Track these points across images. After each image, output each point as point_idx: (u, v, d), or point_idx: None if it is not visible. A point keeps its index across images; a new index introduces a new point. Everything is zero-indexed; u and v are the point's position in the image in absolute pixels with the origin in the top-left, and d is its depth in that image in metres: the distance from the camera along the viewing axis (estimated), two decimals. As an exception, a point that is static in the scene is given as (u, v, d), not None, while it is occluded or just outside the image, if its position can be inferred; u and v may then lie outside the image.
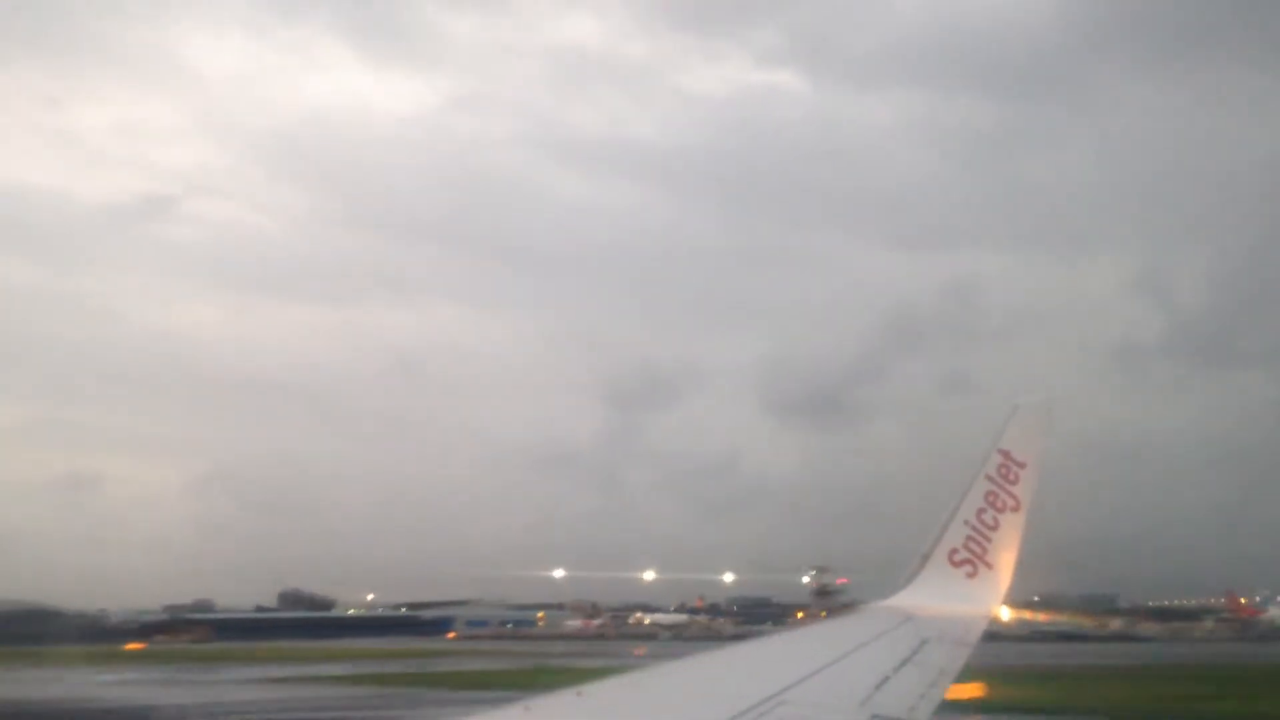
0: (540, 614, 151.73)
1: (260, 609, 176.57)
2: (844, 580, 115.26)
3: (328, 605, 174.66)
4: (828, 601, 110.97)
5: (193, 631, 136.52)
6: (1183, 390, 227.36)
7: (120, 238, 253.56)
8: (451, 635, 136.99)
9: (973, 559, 11.92)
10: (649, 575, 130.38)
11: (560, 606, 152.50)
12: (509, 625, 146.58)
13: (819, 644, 9.11)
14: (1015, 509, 12.16)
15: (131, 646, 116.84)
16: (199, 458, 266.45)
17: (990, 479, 12.28)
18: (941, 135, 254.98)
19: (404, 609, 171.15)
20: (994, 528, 12.05)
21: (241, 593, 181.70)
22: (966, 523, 12.10)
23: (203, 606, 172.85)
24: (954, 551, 11.96)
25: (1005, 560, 11.98)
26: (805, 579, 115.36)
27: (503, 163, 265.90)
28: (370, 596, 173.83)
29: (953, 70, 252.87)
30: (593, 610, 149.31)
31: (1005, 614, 11.92)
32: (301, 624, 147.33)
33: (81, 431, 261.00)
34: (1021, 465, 12.34)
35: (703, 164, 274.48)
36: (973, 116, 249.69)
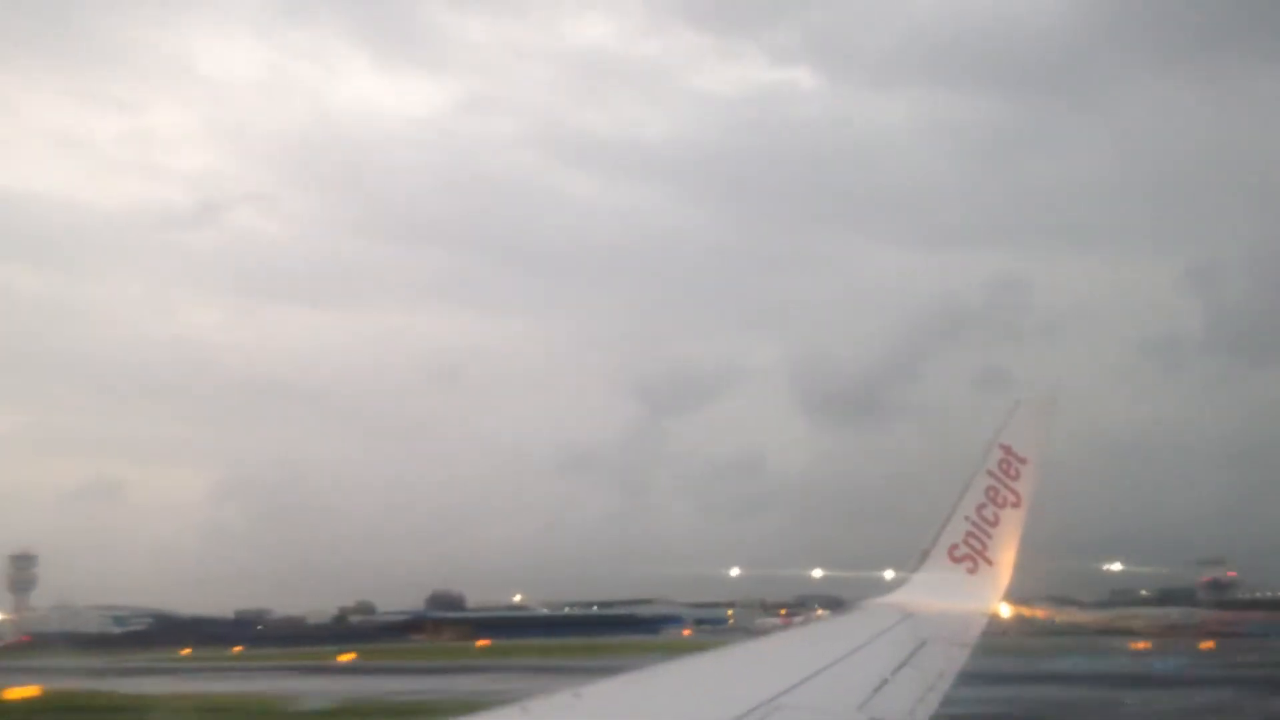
0: (729, 611, 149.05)
1: (421, 609, 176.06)
2: (1233, 574, 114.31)
3: (465, 605, 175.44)
4: (1222, 595, 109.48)
5: (451, 630, 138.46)
6: (1217, 387, 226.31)
7: (132, 244, 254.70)
8: (687, 632, 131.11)
9: (973, 555, 11.88)
10: (817, 572, 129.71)
11: (733, 604, 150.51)
12: (704, 624, 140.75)
13: (817, 645, 9.07)
14: (1016, 505, 12.10)
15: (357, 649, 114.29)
16: (240, 464, 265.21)
17: (991, 474, 12.22)
18: (957, 133, 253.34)
19: (596, 607, 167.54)
20: (995, 524, 12.00)
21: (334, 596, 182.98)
22: (967, 518, 12.05)
23: (364, 608, 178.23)
24: (954, 547, 11.92)
25: (1005, 557, 11.93)
26: (1200, 573, 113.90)
27: (515, 165, 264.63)
28: (518, 598, 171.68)
29: (969, 68, 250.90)
30: (769, 606, 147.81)
31: (1005, 610, 11.88)
32: (535, 622, 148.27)
33: (107, 440, 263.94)
34: (1023, 461, 12.27)
35: (717, 164, 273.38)
36: (988, 114, 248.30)
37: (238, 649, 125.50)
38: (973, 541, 11.91)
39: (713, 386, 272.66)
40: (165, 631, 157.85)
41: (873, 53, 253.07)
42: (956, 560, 11.84)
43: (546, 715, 6.15)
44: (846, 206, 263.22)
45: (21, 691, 52.34)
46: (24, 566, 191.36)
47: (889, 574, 12.58)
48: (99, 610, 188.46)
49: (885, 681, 7.51)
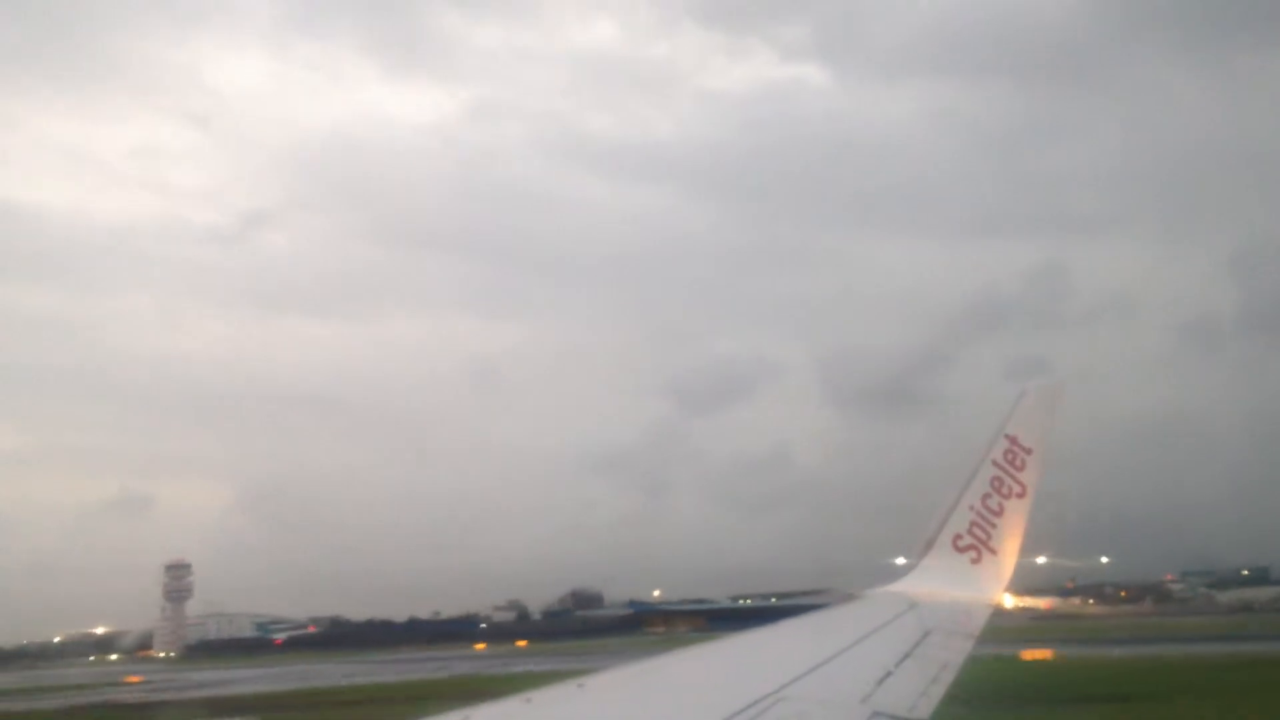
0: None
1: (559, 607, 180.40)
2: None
3: (603, 602, 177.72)
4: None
5: (683, 622, 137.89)
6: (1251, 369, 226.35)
7: (140, 258, 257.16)
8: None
9: (977, 545, 11.86)
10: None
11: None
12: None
13: (822, 635, 9.06)
14: (1021, 495, 12.08)
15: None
16: (284, 476, 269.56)
17: (996, 464, 12.19)
18: (969, 125, 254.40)
19: (774, 599, 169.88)
20: (999, 514, 11.98)
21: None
22: (972, 508, 12.02)
23: (515, 606, 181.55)
24: (959, 537, 11.90)
25: (1010, 546, 11.92)
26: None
27: (526, 170, 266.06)
28: (656, 593, 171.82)
29: (979, 59, 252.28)
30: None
31: (1009, 601, 11.88)
32: (745, 613, 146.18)
33: (129, 455, 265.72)
34: (1028, 451, 12.24)
35: (729, 163, 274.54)
36: (1000, 104, 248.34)
37: (480, 646, 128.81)
38: (977, 531, 11.90)
39: (746, 384, 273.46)
40: (340, 636, 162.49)
41: (882, 46, 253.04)
42: (961, 550, 11.83)
43: (550, 705, 6.17)
44: (860, 201, 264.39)
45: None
46: (179, 575, 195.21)
47: (900, 560, 12.56)
48: (250, 617, 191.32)
49: (889, 673, 7.50)
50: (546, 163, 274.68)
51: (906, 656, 8.11)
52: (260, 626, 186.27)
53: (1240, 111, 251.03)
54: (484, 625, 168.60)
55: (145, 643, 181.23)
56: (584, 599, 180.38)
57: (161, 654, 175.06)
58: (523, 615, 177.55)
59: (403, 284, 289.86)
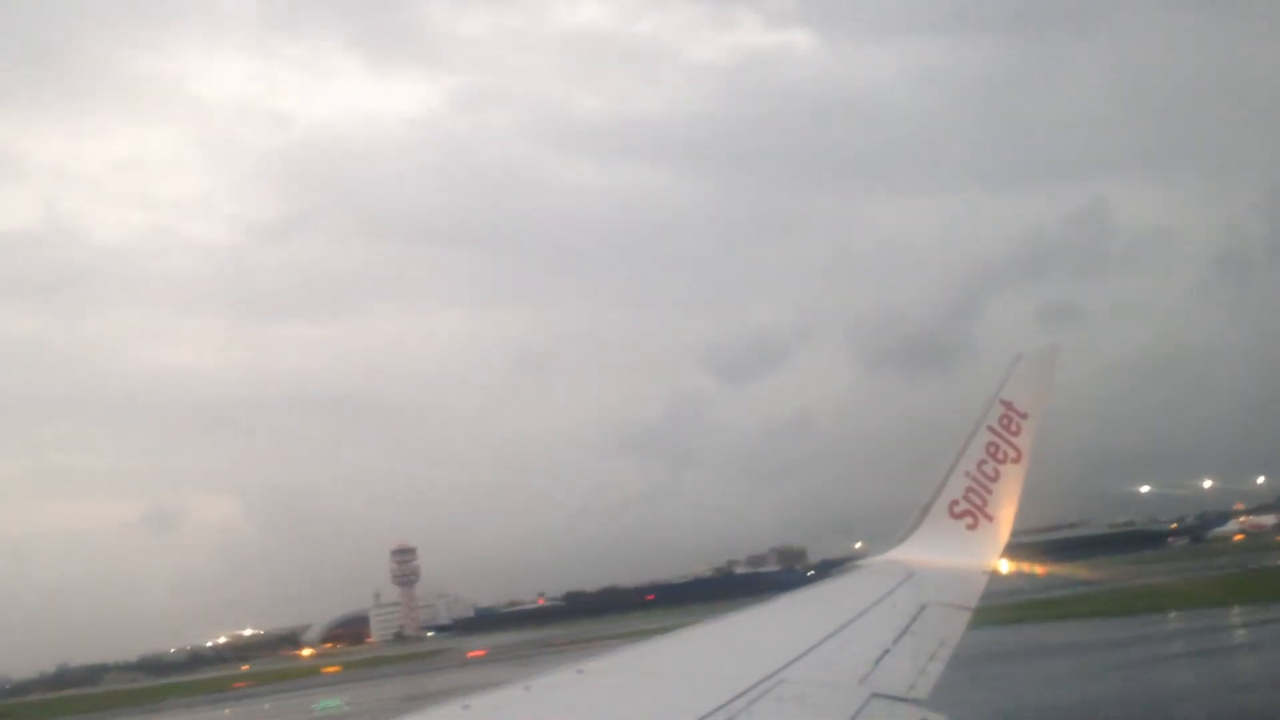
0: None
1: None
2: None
3: (808, 557, 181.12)
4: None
5: None
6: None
7: (128, 274, 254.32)
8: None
9: (973, 511, 11.90)
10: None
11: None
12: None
13: (820, 612, 9.11)
14: (1016, 460, 12.11)
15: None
16: (328, 477, 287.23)
17: (992, 430, 12.20)
18: (955, 78, 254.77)
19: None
20: (995, 479, 12.01)
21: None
22: (967, 474, 12.05)
23: (724, 570, 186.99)
24: (954, 503, 11.93)
25: (1005, 513, 11.96)
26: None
27: (515, 156, 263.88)
28: (859, 544, 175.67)
29: (961, 12, 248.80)
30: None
31: (1005, 567, 11.95)
32: None
33: (155, 471, 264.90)
34: (1024, 416, 12.26)
35: (721, 135, 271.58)
36: (985, 56, 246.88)
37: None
38: (973, 497, 11.93)
39: (779, 352, 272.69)
40: (576, 608, 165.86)
41: (868, 7, 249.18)
42: (957, 516, 11.86)
43: (549, 693, 6.19)
44: (855, 163, 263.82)
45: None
46: (406, 560, 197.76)
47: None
48: (469, 600, 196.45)
49: (886, 651, 7.54)
50: (535, 147, 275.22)
51: (904, 633, 8.14)
52: (478, 609, 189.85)
53: (1231, 46, 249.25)
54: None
55: (329, 636, 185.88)
56: (787, 555, 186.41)
57: (372, 640, 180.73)
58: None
59: (404, 280, 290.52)
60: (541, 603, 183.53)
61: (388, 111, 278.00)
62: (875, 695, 6.62)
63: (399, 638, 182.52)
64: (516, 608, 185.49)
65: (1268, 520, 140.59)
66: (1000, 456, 12.11)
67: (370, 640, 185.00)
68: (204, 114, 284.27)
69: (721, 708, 5.77)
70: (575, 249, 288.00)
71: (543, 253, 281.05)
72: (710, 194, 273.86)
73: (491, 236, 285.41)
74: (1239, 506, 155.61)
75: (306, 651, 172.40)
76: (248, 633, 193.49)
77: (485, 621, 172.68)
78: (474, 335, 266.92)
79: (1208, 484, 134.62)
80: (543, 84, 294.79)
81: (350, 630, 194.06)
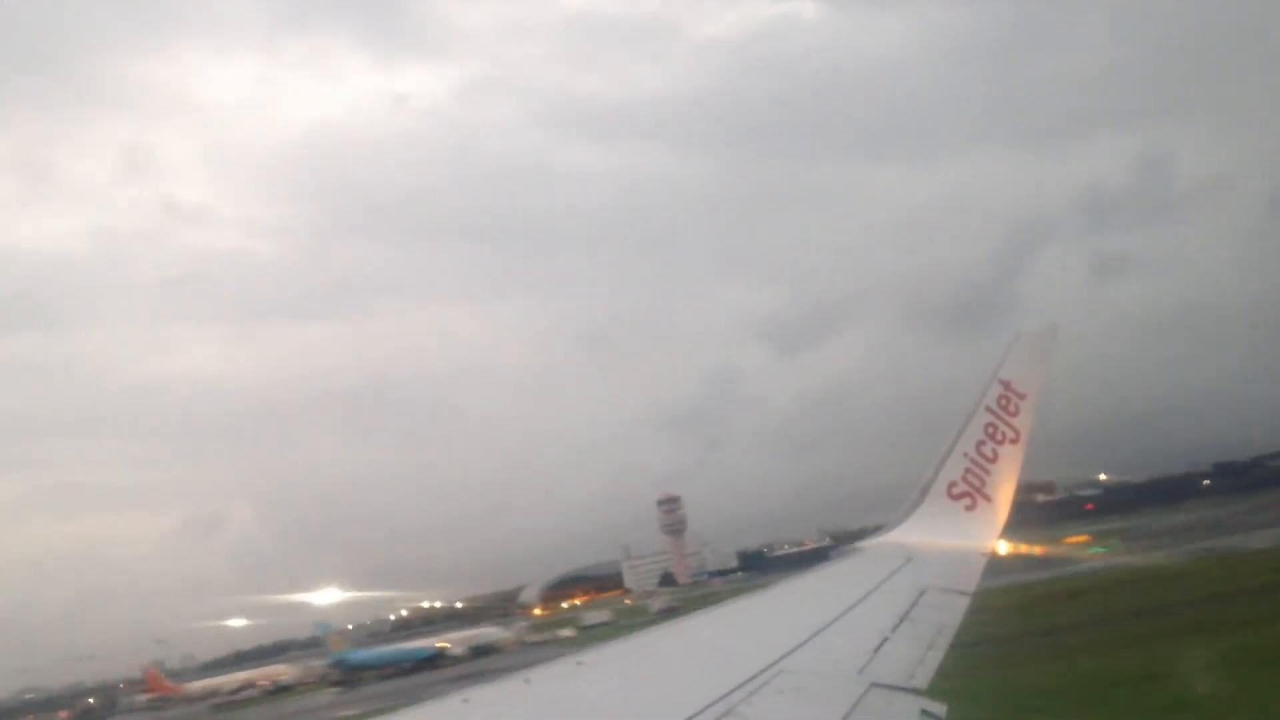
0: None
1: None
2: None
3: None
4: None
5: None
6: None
7: (126, 283, 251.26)
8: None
9: (971, 492, 11.90)
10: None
11: None
12: None
13: (819, 598, 9.12)
14: (1014, 441, 12.09)
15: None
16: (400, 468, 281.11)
17: (990, 410, 12.18)
18: (961, 38, 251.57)
19: None
20: (993, 460, 12.00)
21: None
22: (966, 455, 12.04)
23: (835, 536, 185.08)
24: (953, 484, 11.93)
25: (1004, 493, 11.96)
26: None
27: (523, 145, 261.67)
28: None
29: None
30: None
31: (1003, 548, 11.96)
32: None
33: (180, 480, 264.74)
34: (1022, 396, 12.23)
35: (728, 110, 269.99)
36: (990, 14, 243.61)
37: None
38: (971, 478, 11.92)
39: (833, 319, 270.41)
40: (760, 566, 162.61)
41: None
42: (955, 497, 11.86)
43: (549, 684, 6.21)
44: (862, 131, 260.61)
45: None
46: (672, 509, 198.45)
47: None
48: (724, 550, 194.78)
49: (885, 640, 7.55)
50: (543, 134, 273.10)
51: (903, 619, 8.15)
52: (741, 555, 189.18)
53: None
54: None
55: (545, 597, 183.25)
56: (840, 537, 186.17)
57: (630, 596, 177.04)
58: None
59: (406, 277, 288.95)
60: (809, 545, 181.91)
61: (391, 106, 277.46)
62: (874, 685, 6.63)
63: (666, 583, 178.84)
64: (778, 553, 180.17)
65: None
66: (999, 437, 12.09)
67: (618, 593, 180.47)
68: (209, 119, 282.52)
69: (721, 699, 5.77)
70: (584, 235, 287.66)
71: (554, 239, 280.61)
72: (724, 168, 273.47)
73: (495, 226, 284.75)
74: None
75: (537, 611, 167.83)
76: (461, 604, 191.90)
77: (758, 566, 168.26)
78: (522, 324, 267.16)
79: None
80: (549, 70, 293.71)
81: (562, 591, 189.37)
